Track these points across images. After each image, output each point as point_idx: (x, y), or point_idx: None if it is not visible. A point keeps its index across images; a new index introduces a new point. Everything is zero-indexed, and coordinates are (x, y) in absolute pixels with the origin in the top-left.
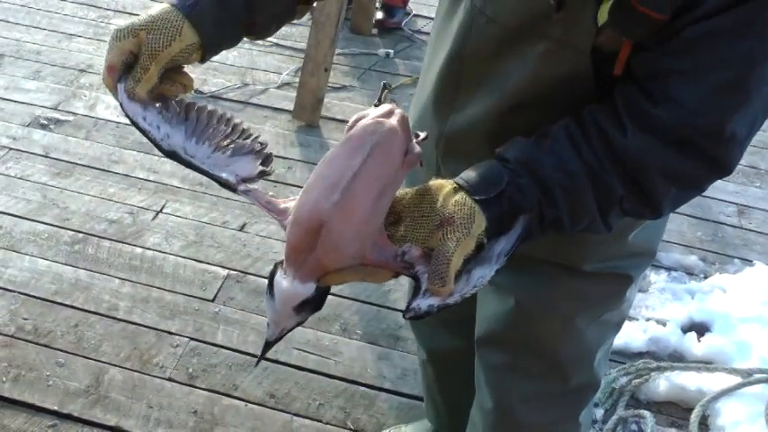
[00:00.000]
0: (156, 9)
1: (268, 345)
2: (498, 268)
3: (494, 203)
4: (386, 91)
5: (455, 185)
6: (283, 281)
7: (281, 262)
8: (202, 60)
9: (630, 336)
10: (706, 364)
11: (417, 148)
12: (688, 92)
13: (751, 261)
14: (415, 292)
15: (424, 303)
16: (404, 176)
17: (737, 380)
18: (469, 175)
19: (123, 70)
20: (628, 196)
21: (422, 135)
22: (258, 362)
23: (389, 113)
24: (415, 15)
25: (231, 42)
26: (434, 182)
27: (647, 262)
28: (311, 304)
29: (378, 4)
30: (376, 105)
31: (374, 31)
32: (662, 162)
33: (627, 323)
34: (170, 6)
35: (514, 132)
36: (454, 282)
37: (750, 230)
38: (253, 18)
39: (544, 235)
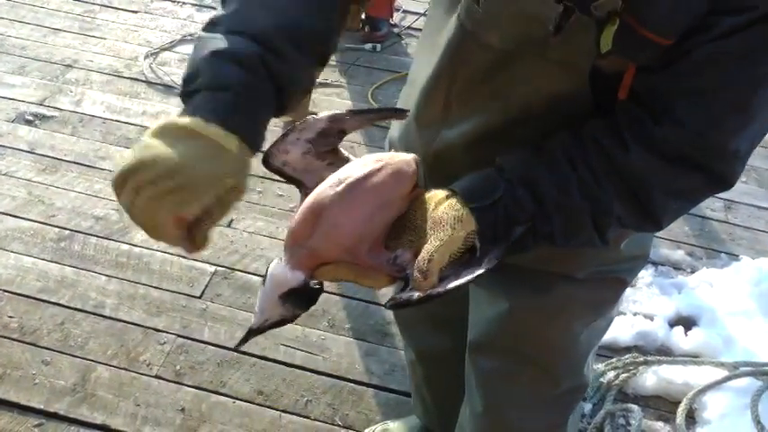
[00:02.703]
0: (199, 124)
1: (250, 332)
2: (484, 271)
3: (488, 211)
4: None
5: (448, 193)
6: (277, 268)
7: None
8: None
9: (618, 330)
10: (693, 358)
11: (423, 189)
12: (693, 113)
13: (737, 256)
14: (403, 289)
15: (405, 294)
16: (407, 204)
17: (724, 373)
18: (464, 183)
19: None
20: (627, 215)
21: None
22: (238, 346)
23: (405, 154)
24: (404, 11)
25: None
26: (429, 193)
27: (640, 264)
28: (298, 297)
29: (362, 16)
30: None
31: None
32: (665, 180)
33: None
34: (214, 124)
35: (507, 149)
36: (440, 280)
37: (736, 225)
38: (282, 104)
39: (536, 246)
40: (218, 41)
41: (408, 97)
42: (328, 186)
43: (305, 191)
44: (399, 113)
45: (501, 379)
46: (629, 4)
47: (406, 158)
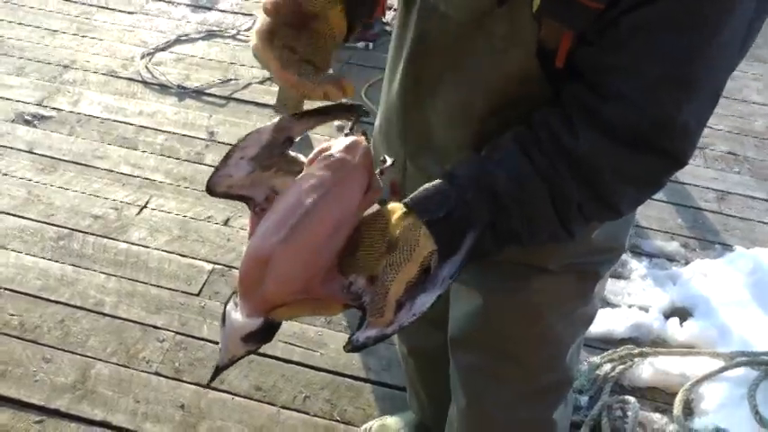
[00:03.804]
0: None
1: (218, 369)
2: (439, 294)
3: (442, 223)
4: (357, 119)
5: (405, 209)
6: (233, 312)
7: (236, 291)
8: (348, 32)
9: (613, 323)
10: (689, 349)
11: (379, 184)
12: (630, 86)
13: (731, 246)
14: (360, 323)
15: (362, 335)
16: (363, 212)
17: (720, 363)
18: (418, 194)
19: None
20: (586, 201)
21: (388, 162)
22: (209, 382)
23: (353, 148)
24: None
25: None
26: (388, 206)
27: (614, 257)
28: (259, 336)
29: None
30: (346, 135)
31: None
32: (615, 162)
33: (609, 310)
34: None
35: (478, 130)
36: (397, 310)
37: (730, 216)
38: None
39: (502, 250)
40: None
41: (387, 86)
42: (271, 231)
43: (253, 206)
44: (351, 111)
45: (480, 374)
46: None
47: (351, 166)
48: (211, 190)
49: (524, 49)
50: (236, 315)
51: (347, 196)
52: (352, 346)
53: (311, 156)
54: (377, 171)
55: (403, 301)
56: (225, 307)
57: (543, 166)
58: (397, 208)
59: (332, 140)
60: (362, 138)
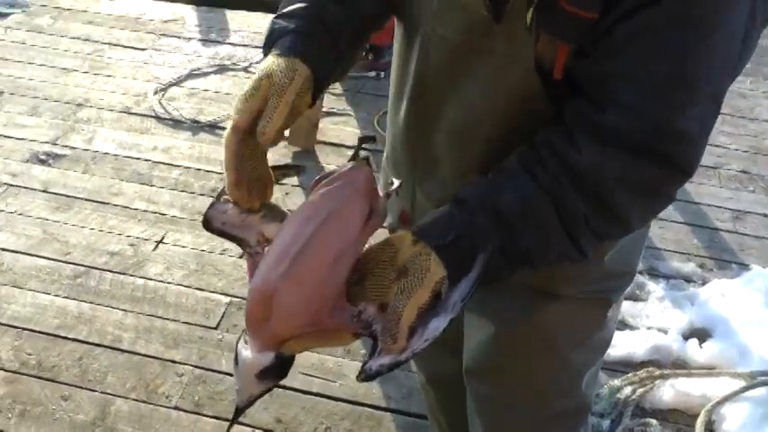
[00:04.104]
0: (264, 62)
1: (237, 411)
2: (453, 317)
3: (451, 248)
4: (362, 145)
5: (414, 236)
6: (243, 350)
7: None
8: (313, 101)
9: (633, 345)
10: (709, 370)
11: (382, 210)
12: (629, 93)
13: (748, 265)
14: (372, 351)
15: (375, 364)
16: (367, 239)
17: (741, 383)
18: (426, 221)
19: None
20: (593, 215)
21: (396, 184)
22: (229, 427)
23: (353, 174)
24: None
25: (332, 73)
26: (395, 234)
27: (627, 282)
28: (273, 372)
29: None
30: (349, 161)
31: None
32: (619, 172)
33: (628, 333)
34: (274, 54)
35: (484, 152)
36: (409, 336)
37: (746, 235)
38: (337, 43)
39: (514, 271)
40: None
41: (393, 115)
42: (272, 266)
43: (247, 249)
44: (296, 169)
45: (495, 403)
46: None
47: (349, 192)
48: (207, 224)
49: (523, 65)
50: (247, 353)
51: (347, 222)
52: (365, 375)
53: (312, 183)
54: (383, 194)
55: (415, 327)
56: (236, 346)
57: (547, 182)
58: (405, 236)
59: (333, 167)
60: (363, 163)
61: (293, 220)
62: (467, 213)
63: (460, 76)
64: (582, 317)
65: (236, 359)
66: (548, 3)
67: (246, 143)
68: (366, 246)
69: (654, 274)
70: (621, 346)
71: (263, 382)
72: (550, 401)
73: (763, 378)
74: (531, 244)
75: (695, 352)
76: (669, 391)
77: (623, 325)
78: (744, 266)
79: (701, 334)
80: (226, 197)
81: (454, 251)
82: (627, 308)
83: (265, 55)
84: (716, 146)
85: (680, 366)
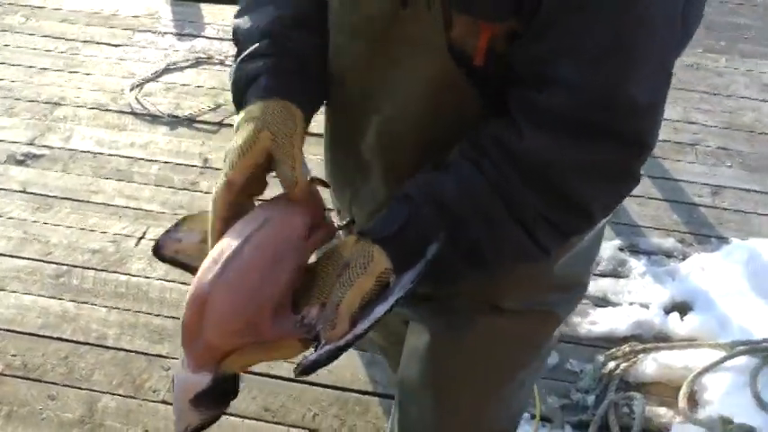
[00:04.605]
0: (249, 109)
1: None
2: (397, 298)
3: (396, 240)
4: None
5: (357, 236)
6: (178, 368)
7: None
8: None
9: (615, 321)
10: (690, 342)
11: (331, 224)
12: (567, 69)
13: (727, 239)
14: (315, 348)
15: (313, 355)
16: (311, 251)
17: (722, 354)
18: (371, 221)
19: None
20: (546, 205)
21: (347, 219)
22: None
23: (296, 186)
24: None
25: (317, 105)
26: (339, 241)
27: (575, 296)
28: (210, 397)
29: None
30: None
31: None
32: (570, 156)
33: (611, 309)
34: (259, 100)
35: (415, 153)
36: (351, 325)
37: (724, 209)
38: (312, 73)
39: (469, 268)
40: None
41: (325, 131)
42: (206, 269)
43: None
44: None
45: (420, 420)
46: None
47: (288, 200)
48: (158, 252)
49: (437, 51)
50: (182, 374)
51: (285, 227)
52: (302, 368)
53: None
54: (336, 225)
55: (361, 317)
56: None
57: (491, 173)
58: (349, 238)
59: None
60: (307, 178)
61: (233, 227)
62: (412, 206)
63: (380, 75)
64: (525, 332)
65: (172, 382)
66: None
67: (237, 201)
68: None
69: (634, 250)
70: (604, 322)
71: (200, 409)
72: (477, 423)
73: (741, 347)
74: (481, 235)
75: (676, 325)
76: (652, 365)
77: (605, 302)
78: (723, 240)
79: (682, 307)
80: (185, 229)
81: (399, 243)
82: (609, 285)
83: (241, 102)
84: (692, 123)
85: (662, 340)
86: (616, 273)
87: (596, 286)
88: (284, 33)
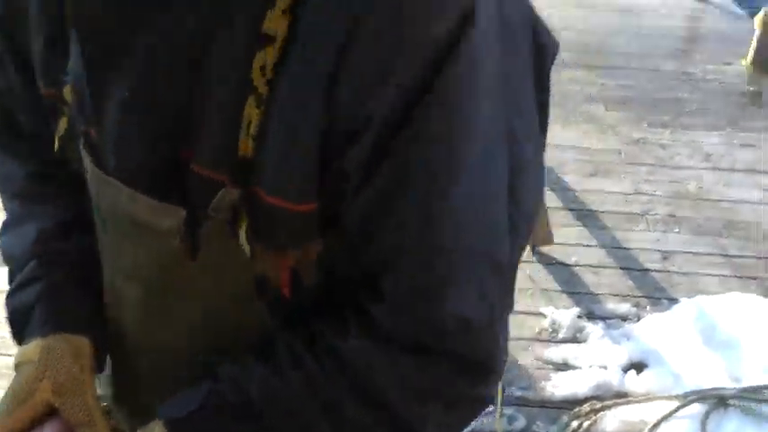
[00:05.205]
0: (25, 351)
1: None
2: None
3: (185, 423)
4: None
5: (154, 422)
6: None
7: None
8: (100, 366)
9: (576, 384)
10: (645, 396)
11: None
12: (389, 285)
13: (677, 299)
14: None
15: None
16: None
17: (675, 404)
18: (171, 401)
19: None
20: (375, 423)
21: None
22: None
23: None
24: None
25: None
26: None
27: None
28: None
29: None
30: None
31: None
32: (398, 372)
33: (571, 373)
34: (39, 340)
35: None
36: None
37: (674, 272)
38: (92, 287)
39: None
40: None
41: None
42: None
43: None
44: None
45: None
46: (257, 178)
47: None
48: None
49: (231, 279)
50: None
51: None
52: None
53: None
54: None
55: None
56: None
57: (313, 375)
58: (150, 427)
59: None
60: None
61: None
62: (214, 388)
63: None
64: None
65: None
66: (254, 207)
67: None
68: None
69: (592, 316)
70: (566, 385)
71: None
72: None
73: (693, 396)
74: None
75: (633, 382)
76: (612, 421)
77: (566, 366)
78: (673, 300)
79: (638, 365)
80: None
81: (190, 425)
82: (569, 350)
83: (20, 341)
84: (642, 194)
85: (621, 397)
86: (575, 339)
87: (558, 352)
88: (51, 248)
